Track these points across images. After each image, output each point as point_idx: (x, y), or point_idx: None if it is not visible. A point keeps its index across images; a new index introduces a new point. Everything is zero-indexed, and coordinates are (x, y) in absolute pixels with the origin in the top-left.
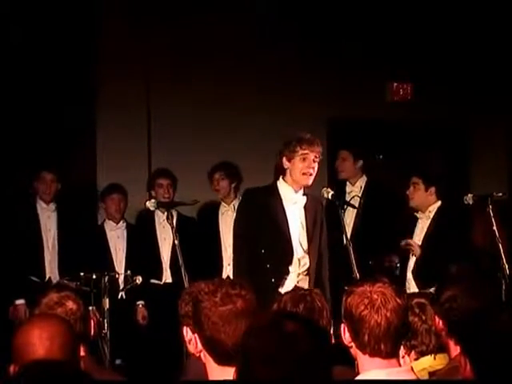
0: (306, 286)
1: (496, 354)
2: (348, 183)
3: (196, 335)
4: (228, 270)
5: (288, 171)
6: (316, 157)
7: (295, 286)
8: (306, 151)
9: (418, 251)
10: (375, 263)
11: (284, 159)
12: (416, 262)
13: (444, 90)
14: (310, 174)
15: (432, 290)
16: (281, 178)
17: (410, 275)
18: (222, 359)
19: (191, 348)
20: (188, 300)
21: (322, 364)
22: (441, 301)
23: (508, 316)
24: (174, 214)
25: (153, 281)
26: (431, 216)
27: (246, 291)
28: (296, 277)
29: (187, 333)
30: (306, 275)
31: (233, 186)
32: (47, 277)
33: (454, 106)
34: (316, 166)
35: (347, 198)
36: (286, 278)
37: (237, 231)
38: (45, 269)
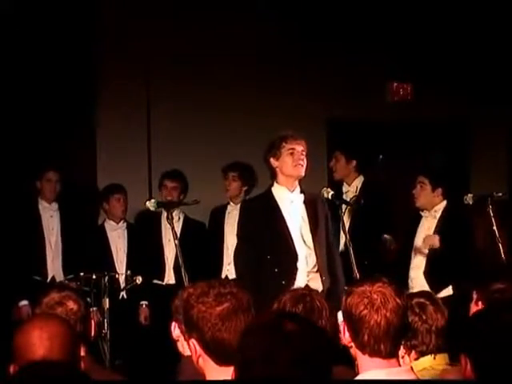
0: (318, 284)
1: (497, 354)
2: (344, 183)
3: (194, 341)
4: (227, 270)
5: (278, 170)
6: (303, 150)
7: (306, 285)
8: (292, 145)
9: (436, 243)
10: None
11: (271, 160)
12: (428, 262)
13: (444, 89)
14: (302, 165)
15: (447, 290)
16: (274, 183)
17: (413, 274)
18: (225, 359)
19: (180, 347)
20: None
21: (321, 364)
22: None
23: (509, 316)
24: (181, 215)
25: (155, 281)
26: (437, 216)
27: (237, 288)
28: (306, 275)
29: (175, 328)
30: (315, 272)
31: (244, 189)
32: (50, 276)
33: (454, 105)
34: (304, 158)
35: (344, 198)
36: (295, 278)
37: (241, 238)
38: (47, 268)
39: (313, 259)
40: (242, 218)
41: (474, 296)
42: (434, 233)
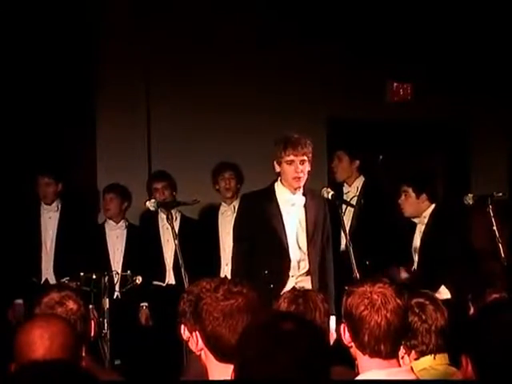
0: (308, 286)
1: (497, 354)
2: (345, 183)
3: (197, 333)
4: (226, 270)
5: (281, 174)
6: (303, 160)
7: (293, 286)
8: (290, 157)
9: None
10: (372, 263)
11: (275, 163)
12: (417, 266)
13: (444, 89)
14: (300, 178)
15: (445, 293)
16: (278, 180)
17: None
18: (223, 356)
19: (192, 346)
20: (187, 298)
21: (320, 363)
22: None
23: (509, 315)
24: (178, 215)
25: (155, 282)
26: (425, 221)
27: (248, 289)
28: (295, 279)
29: (184, 331)
30: (306, 276)
31: (238, 187)
32: (43, 278)
33: (454, 105)
34: (305, 167)
35: (344, 199)
36: (284, 285)
37: (236, 236)
38: (41, 270)
39: (305, 264)
40: (241, 213)
41: (471, 307)
42: (423, 238)
